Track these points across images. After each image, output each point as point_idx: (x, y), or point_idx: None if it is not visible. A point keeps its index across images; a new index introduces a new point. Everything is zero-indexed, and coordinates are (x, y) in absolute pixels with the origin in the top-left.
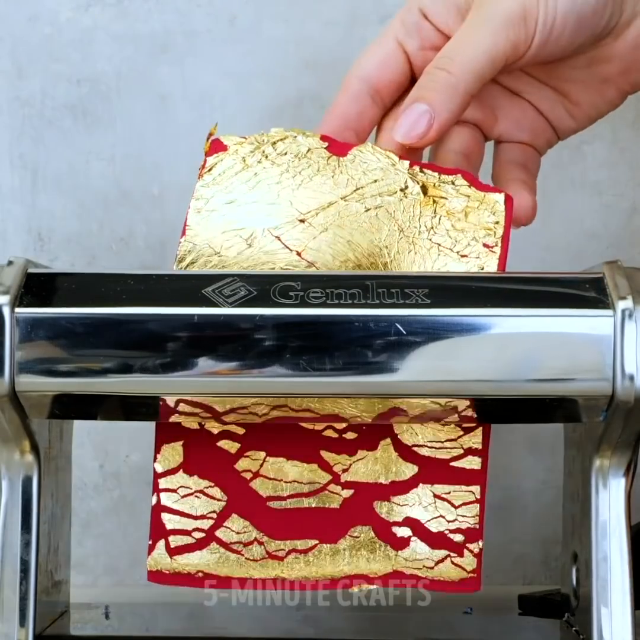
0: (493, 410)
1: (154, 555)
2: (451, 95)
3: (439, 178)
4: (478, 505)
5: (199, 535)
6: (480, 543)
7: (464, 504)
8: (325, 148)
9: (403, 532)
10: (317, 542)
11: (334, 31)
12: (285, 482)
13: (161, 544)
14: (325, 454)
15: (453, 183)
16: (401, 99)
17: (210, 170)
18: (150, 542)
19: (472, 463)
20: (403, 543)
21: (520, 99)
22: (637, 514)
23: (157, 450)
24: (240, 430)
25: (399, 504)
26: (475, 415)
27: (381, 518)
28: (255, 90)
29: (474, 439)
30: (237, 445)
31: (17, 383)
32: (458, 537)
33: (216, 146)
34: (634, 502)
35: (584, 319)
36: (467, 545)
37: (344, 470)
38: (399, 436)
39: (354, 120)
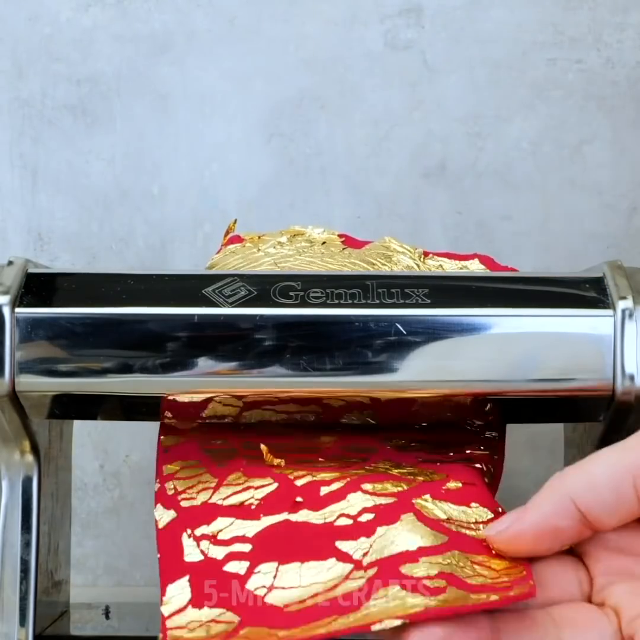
0: (493, 410)
1: None
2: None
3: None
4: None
5: None
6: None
7: (506, 569)
8: (341, 242)
9: (438, 583)
10: (336, 616)
11: (334, 31)
12: (303, 586)
13: None
14: (341, 545)
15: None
16: None
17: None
18: None
19: None
20: (439, 591)
21: None
22: None
23: (162, 592)
24: (247, 547)
25: (430, 562)
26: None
27: (410, 576)
28: (255, 90)
29: None
30: (246, 563)
31: (17, 383)
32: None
33: (233, 241)
34: None
35: (584, 319)
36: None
37: (365, 554)
38: (422, 511)
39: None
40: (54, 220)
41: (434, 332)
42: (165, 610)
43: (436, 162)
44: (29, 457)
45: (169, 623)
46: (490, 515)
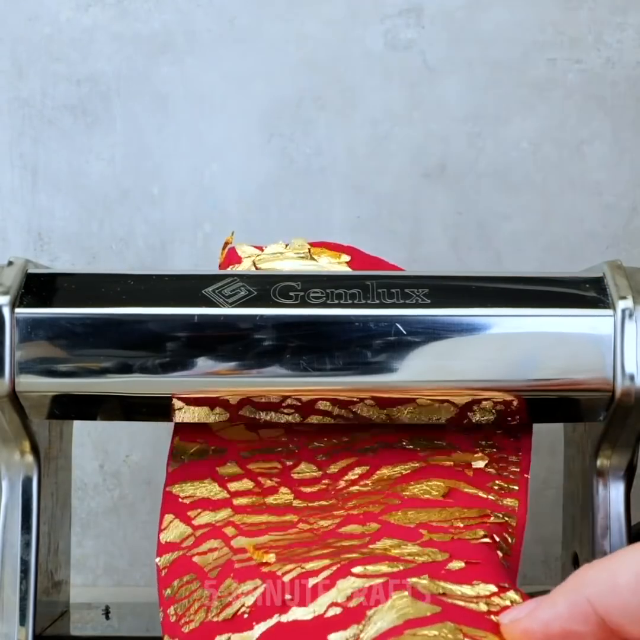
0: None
1: None
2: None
3: None
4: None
5: None
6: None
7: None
8: (346, 262)
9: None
10: None
11: (334, 31)
12: None
13: None
14: (333, 637)
15: None
16: None
17: None
18: None
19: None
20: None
21: None
22: (637, 514)
23: None
24: None
25: (414, 634)
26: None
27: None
28: (255, 90)
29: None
30: None
31: (17, 383)
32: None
33: (231, 257)
34: (634, 502)
35: (584, 319)
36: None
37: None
38: (416, 587)
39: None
40: (54, 220)
41: (434, 332)
42: None
43: (436, 162)
44: (29, 457)
45: None
46: (494, 589)
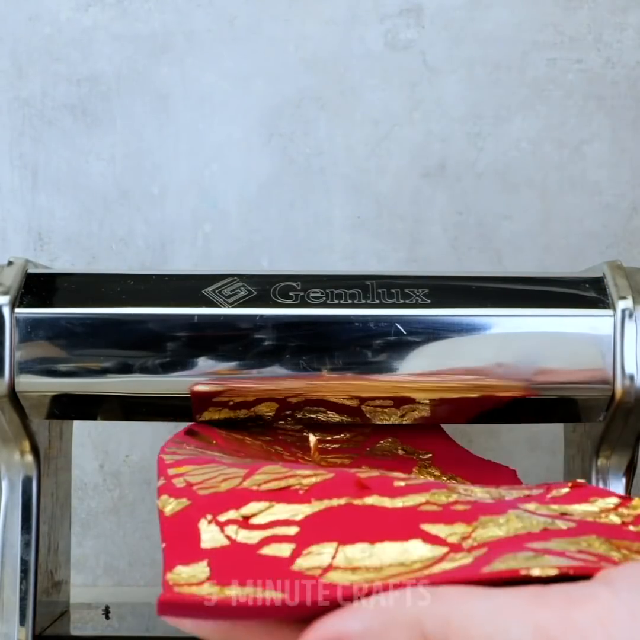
0: (493, 410)
1: None
2: None
3: None
4: None
5: None
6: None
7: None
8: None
9: (584, 557)
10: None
11: (334, 31)
12: (374, 568)
13: None
14: (429, 527)
15: None
16: None
17: None
18: None
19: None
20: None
21: None
22: None
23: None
24: (292, 530)
25: (566, 542)
26: (475, 416)
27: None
28: (255, 90)
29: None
30: (291, 546)
31: (17, 383)
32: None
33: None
34: None
35: (584, 319)
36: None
37: (464, 538)
38: (531, 510)
39: None
40: (54, 220)
41: (434, 332)
42: (171, 579)
43: (436, 162)
44: (29, 457)
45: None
46: (616, 500)
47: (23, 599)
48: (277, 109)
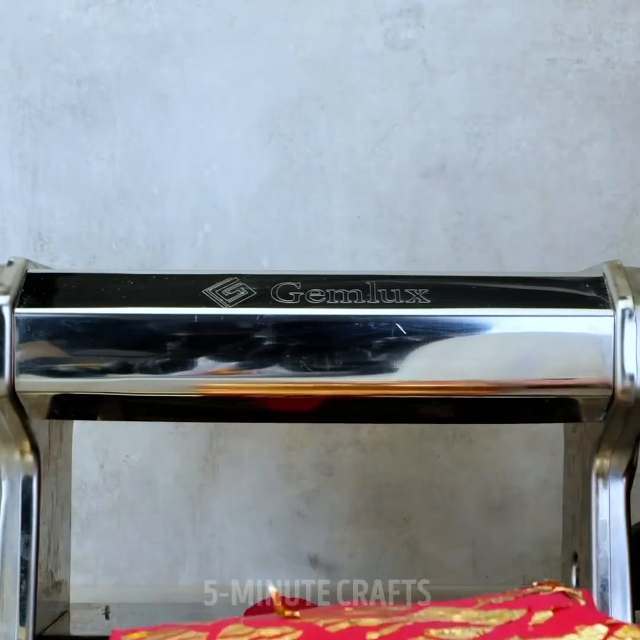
0: (493, 410)
1: None
2: None
3: None
4: None
5: None
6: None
7: None
8: None
9: None
10: None
11: (333, 31)
12: None
13: None
14: None
15: None
16: None
17: None
18: None
19: None
20: None
21: None
22: (637, 514)
23: None
24: None
25: None
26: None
27: None
28: (255, 90)
29: None
30: None
31: (17, 383)
32: None
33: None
34: (634, 502)
35: (584, 319)
36: None
37: None
38: None
39: None
40: (54, 220)
41: (434, 332)
42: None
43: (436, 162)
44: (29, 457)
45: None
46: (604, 629)
47: (23, 599)
48: (277, 109)
